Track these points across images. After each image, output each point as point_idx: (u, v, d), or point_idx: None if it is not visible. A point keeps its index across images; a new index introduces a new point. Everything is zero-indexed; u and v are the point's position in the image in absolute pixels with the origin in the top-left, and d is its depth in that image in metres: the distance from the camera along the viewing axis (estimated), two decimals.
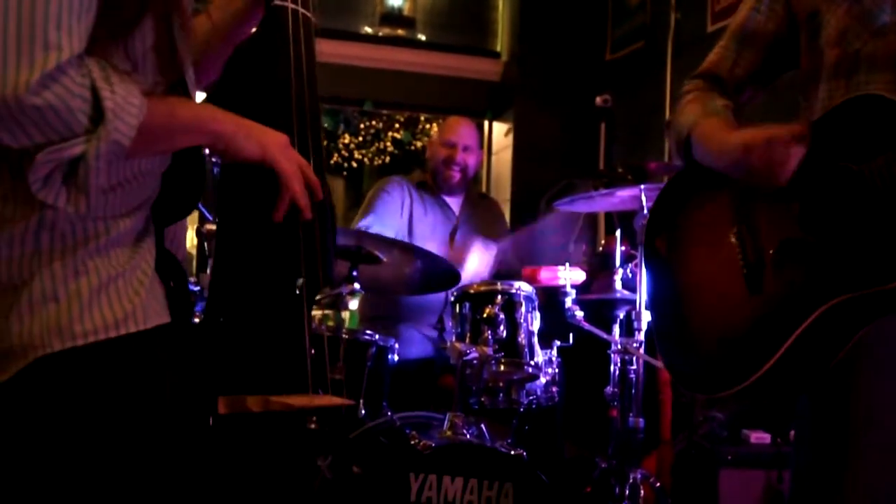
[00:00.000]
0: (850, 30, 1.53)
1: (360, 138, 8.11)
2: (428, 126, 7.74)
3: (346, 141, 8.10)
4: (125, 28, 1.07)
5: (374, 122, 8.07)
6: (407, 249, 2.83)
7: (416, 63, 5.50)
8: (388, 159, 8.21)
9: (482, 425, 2.65)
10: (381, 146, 8.16)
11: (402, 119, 7.99)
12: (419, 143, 7.92)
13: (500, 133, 5.69)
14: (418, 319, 3.27)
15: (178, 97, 1.15)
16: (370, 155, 8.18)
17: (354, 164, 8.24)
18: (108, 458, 1.08)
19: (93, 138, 0.99)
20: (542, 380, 2.75)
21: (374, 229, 3.22)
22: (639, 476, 2.85)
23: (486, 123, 5.77)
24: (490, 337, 2.57)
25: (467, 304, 2.69)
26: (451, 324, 2.83)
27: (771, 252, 1.55)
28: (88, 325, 1.06)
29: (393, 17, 5.71)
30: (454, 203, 3.55)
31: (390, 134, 8.11)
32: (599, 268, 3.73)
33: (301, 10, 1.36)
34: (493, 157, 5.75)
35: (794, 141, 1.47)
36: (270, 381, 1.29)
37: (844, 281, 1.43)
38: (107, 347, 1.07)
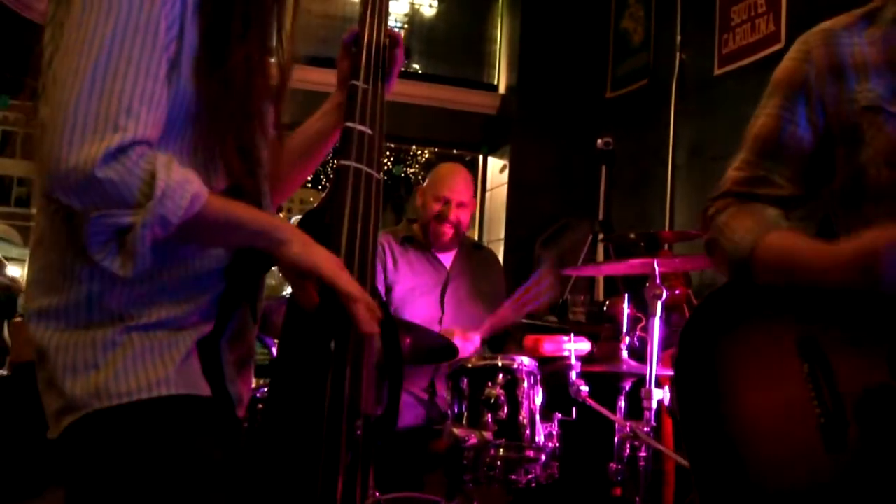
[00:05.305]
0: None
1: None
2: (419, 154, 7.56)
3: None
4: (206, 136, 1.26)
5: None
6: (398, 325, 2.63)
7: (410, 94, 5.29)
8: None
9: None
10: None
11: (392, 145, 7.80)
12: (410, 170, 7.74)
13: (495, 169, 5.50)
14: (408, 383, 3.07)
15: (242, 202, 1.27)
16: None
17: None
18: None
19: (142, 211, 1.12)
20: (542, 457, 2.57)
21: None
22: None
23: (480, 158, 5.58)
24: (490, 419, 2.38)
25: (464, 380, 2.50)
26: (446, 393, 2.65)
27: (853, 402, 1.33)
28: (123, 387, 1.21)
29: None
30: (445, 256, 3.31)
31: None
32: (601, 321, 3.57)
33: (365, 168, 1.46)
34: (488, 194, 5.54)
35: None
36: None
37: None
38: (144, 407, 1.21)
